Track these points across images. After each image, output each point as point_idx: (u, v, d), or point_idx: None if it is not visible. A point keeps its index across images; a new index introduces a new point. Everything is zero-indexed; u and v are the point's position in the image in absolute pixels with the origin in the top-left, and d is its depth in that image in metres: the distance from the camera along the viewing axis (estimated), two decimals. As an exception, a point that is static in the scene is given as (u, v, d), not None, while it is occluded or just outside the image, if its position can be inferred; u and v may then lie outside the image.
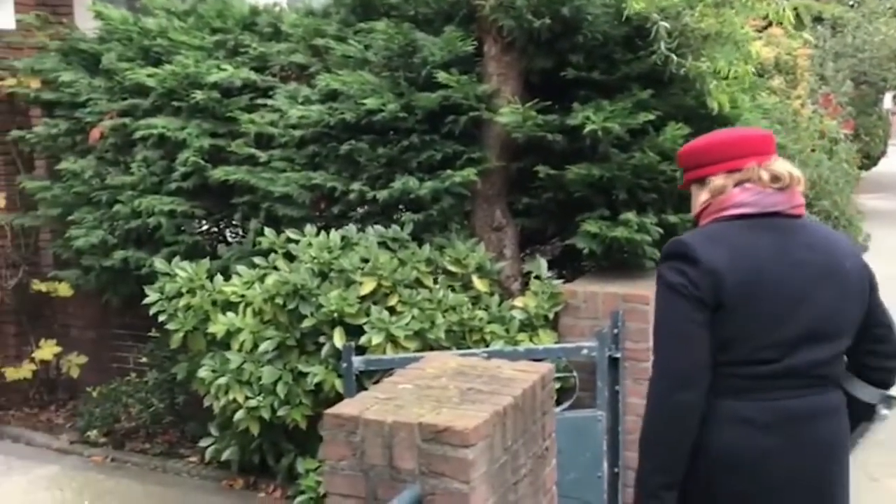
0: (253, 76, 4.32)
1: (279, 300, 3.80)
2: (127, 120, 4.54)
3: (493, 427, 1.90)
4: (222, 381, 3.86)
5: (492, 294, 3.87)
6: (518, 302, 3.82)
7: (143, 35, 4.65)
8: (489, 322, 3.74)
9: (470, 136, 3.98)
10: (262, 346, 3.82)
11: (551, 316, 3.75)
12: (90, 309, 5.35)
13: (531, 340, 3.70)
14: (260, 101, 4.30)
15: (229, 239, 4.89)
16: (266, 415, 3.80)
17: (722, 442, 2.03)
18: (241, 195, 4.32)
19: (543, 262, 3.91)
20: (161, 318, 4.07)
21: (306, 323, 3.76)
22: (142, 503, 4.21)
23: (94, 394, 4.86)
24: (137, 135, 4.45)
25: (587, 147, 3.71)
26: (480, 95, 3.87)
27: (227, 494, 4.28)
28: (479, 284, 3.84)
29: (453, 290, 3.82)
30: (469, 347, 3.62)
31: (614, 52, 3.79)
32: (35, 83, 4.94)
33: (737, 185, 2.09)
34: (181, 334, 4.04)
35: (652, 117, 3.65)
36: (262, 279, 3.96)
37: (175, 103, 4.43)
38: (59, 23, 5.21)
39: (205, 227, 4.80)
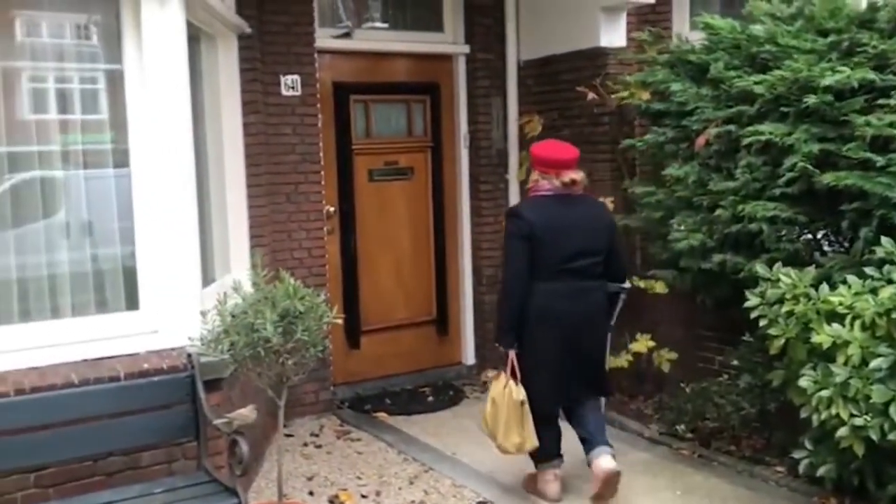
0: (871, 76, 4.08)
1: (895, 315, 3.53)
2: (732, 127, 4.64)
3: None
4: (825, 393, 3.72)
5: None
6: None
7: (750, 42, 4.69)
8: None
9: None
10: (874, 363, 3.58)
11: None
12: (680, 308, 5.60)
13: None
14: (879, 102, 4.04)
15: (825, 248, 4.70)
16: (874, 436, 3.57)
17: (539, 303, 4.17)
18: (850, 202, 4.12)
19: None
20: (761, 323, 4.07)
21: (928, 343, 3.43)
22: None
23: (688, 390, 5.07)
24: (742, 141, 4.52)
25: None
26: None
27: (819, 512, 4.13)
28: None
29: None
30: None
31: None
32: (645, 95, 5.34)
33: (544, 179, 4.27)
34: (781, 341, 4.00)
35: None
36: (873, 291, 3.72)
37: (783, 108, 4.39)
38: (669, 37, 5.55)
39: (802, 234, 4.68)
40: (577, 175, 4.25)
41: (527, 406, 4.18)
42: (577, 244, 4.18)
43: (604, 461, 4.23)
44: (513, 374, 4.18)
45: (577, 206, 4.26)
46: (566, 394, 4.34)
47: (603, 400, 4.66)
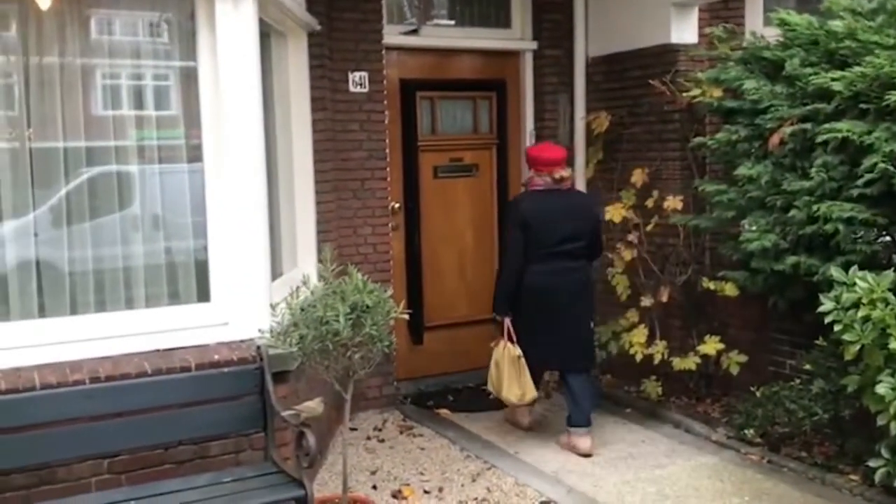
0: (957, 73, 3.93)
1: (981, 322, 3.40)
2: (807, 125, 4.52)
3: None
4: (903, 401, 3.61)
5: None
6: None
7: (829, 38, 4.57)
8: None
9: None
10: (957, 371, 3.46)
11: None
12: (750, 310, 5.47)
13: None
14: (965, 99, 3.89)
15: (904, 250, 4.55)
16: (956, 446, 3.45)
17: (532, 279, 4.94)
18: (933, 203, 3.98)
19: None
20: (836, 327, 3.95)
21: None
22: (800, 511, 4.17)
23: (758, 394, 4.95)
24: (818, 140, 4.39)
25: None
26: None
27: (895, 523, 4.00)
28: None
29: None
30: None
31: None
32: (717, 92, 5.23)
33: (538, 176, 5.04)
34: (857, 347, 3.88)
35: None
36: (956, 296, 3.59)
37: (862, 106, 4.26)
38: (741, 34, 5.43)
39: (880, 237, 4.53)
40: (566, 172, 5.06)
41: (523, 360, 4.99)
42: (564, 231, 4.95)
43: (582, 443, 4.99)
44: (509, 337, 5.04)
45: (565, 198, 5.05)
46: (555, 353, 5.05)
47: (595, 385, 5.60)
